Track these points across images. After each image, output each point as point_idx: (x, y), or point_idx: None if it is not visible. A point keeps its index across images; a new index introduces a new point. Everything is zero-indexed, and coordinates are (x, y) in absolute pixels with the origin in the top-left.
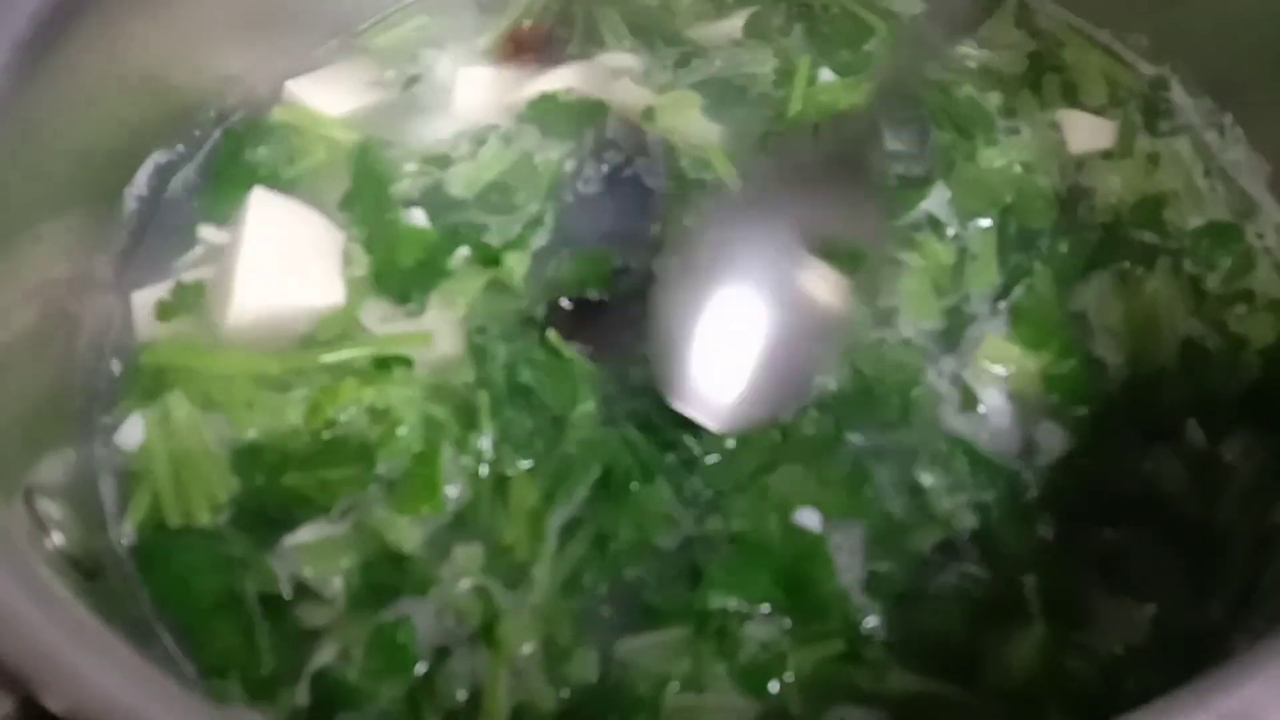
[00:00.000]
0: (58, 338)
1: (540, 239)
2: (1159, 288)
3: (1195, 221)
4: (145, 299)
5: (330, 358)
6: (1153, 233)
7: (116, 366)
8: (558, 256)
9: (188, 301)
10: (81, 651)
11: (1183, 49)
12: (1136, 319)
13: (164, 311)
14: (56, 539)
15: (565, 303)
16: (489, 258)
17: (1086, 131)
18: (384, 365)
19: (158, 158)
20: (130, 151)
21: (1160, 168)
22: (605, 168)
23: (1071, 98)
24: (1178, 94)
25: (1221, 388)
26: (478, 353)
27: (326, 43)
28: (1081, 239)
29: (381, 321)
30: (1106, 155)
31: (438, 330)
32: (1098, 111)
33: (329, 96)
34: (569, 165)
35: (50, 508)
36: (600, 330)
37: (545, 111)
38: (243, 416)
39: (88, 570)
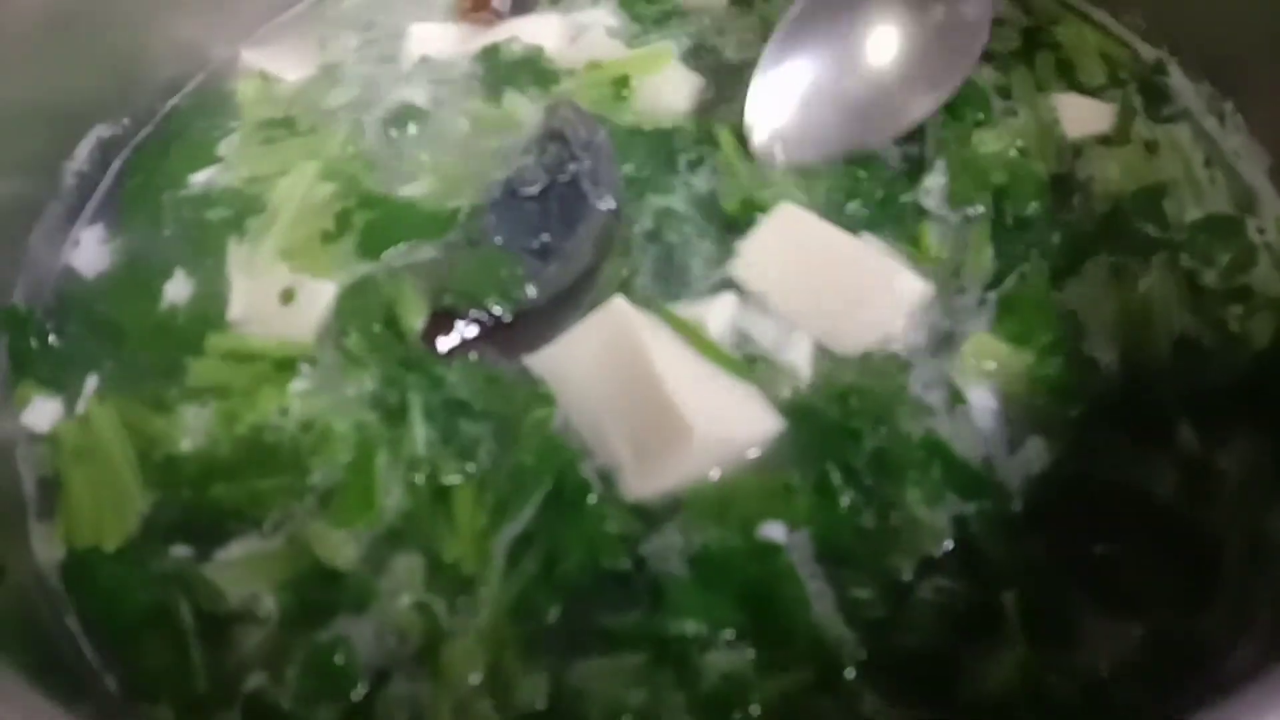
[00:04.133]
0: None
1: (448, 233)
2: (1154, 282)
3: (1194, 213)
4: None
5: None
6: (1151, 224)
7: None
8: (460, 255)
9: None
10: None
11: (1182, 31)
12: (1130, 315)
13: None
14: None
15: (449, 322)
16: (371, 246)
17: (1084, 115)
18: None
19: (100, 131)
20: (71, 122)
21: (1159, 155)
22: (545, 162)
23: (1069, 78)
24: (1177, 78)
25: (1216, 388)
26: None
27: (288, 10)
28: (1076, 229)
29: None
30: (1104, 140)
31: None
32: (1095, 93)
33: (285, 63)
34: (502, 154)
35: None
36: (501, 343)
37: (488, 65)
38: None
39: None
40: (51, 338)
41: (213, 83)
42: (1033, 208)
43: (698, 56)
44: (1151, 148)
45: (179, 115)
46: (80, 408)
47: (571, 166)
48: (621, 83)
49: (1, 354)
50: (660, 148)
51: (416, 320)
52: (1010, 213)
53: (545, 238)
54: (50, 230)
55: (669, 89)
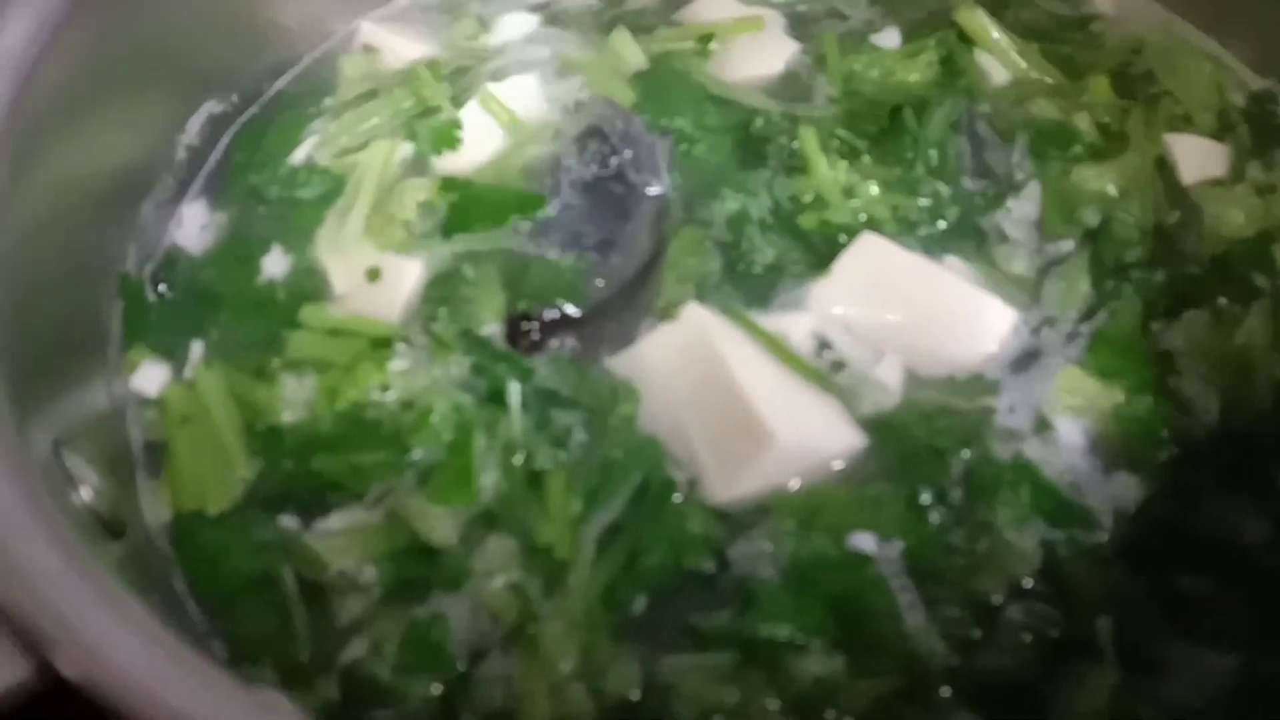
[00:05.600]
0: (91, 275)
1: (513, 239)
2: (1255, 328)
3: None
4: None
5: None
6: (1260, 271)
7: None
8: (530, 263)
9: None
10: (102, 617)
11: None
12: (1231, 360)
13: None
14: (85, 494)
15: (528, 325)
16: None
17: (1196, 154)
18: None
19: (211, 107)
20: (184, 96)
21: (1271, 198)
22: (587, 160)
23: (1179, 116)
24: None
25: None
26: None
27: None
28: (1182, 271)
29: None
30: (1217, 182)
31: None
32: (1204, 132)
33: (405, 39)
34: (550, 158)
35: (78, 465)
36: (579, 340)
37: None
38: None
39: (114, 529)
40: (162, 287)
41: (325, 61)
42: (1134, 249)
43: (807, 24)
44: (1262, 191)
45: (285, 95)
46: (187, 373)
47: (613, 160)
48: (705, 39)
49: (115, 321)
50: (737, 131)
51: (497, 321)
52: (1109, 251)
53: (603, 232)
54: (161, 202)
55: (759, 54)
